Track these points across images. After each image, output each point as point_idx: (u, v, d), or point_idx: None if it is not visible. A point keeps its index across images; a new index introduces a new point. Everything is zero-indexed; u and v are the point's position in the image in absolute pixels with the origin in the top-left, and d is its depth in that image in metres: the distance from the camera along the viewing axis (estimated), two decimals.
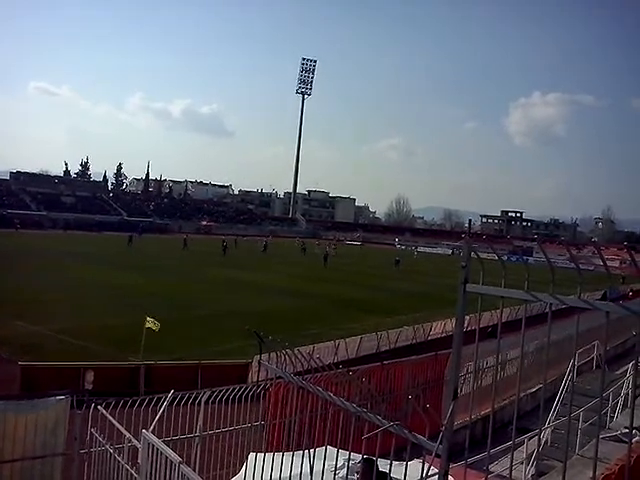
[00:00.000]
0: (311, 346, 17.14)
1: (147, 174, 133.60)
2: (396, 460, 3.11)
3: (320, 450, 4.34)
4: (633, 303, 2.21)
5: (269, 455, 3.85)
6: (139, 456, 5.86)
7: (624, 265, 53.01)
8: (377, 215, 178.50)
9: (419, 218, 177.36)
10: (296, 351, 3.64)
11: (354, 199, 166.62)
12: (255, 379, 14.60)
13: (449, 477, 2.60)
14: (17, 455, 7.14)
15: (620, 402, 13.54)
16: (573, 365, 4.40)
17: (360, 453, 3.49)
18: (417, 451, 2.79)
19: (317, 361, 3.71)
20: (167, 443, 5.86)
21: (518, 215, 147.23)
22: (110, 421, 7.09)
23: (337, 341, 19.73)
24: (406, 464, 2.87)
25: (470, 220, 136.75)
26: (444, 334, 24.22)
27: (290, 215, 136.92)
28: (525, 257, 61.67)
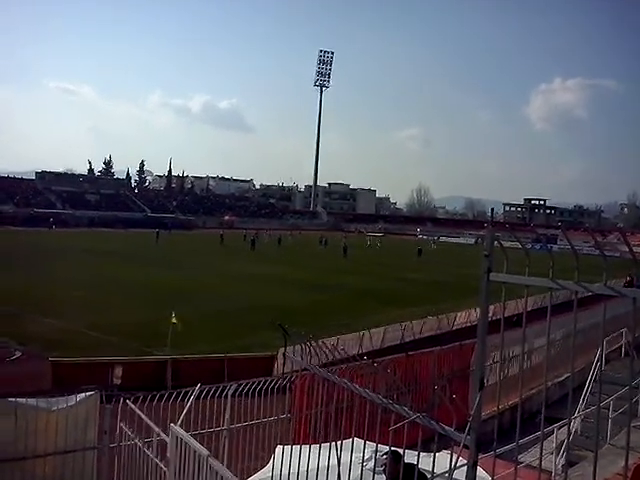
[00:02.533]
0: (335, 338, 17.15)
1: (169, 170, 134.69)
2: (424, 451, 3.10)
3: (347, 442, 4.36)
4: None
5: (296, 447, 3.87)
6: (168, 450, 5.93)
7: None
8: (398, 206, 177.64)
9: (441, 208, 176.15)
10: (320, 343, 3.65)
11: (375, 190, 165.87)
12: (281, 372, 14.69)
13: (478, 468, 2.58)
14: (49, 450, 7.29)
15: None
16: (601, 353, 4.33)
17: (387, 445, 3.49)
18: (445, 442, 2.78)
19: (342, 353, 3.71)
20: (195, 437, 5.92)
21: (541, 203, 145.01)
22: (139, 415, 7.19)
23: (361, 332, 19.72)
24: (434, 455, 2.86)
25: (492, 209, 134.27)
26: (469, 324, 24.03)
27: (311, 208, 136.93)
28: (549, 245, 60.69)
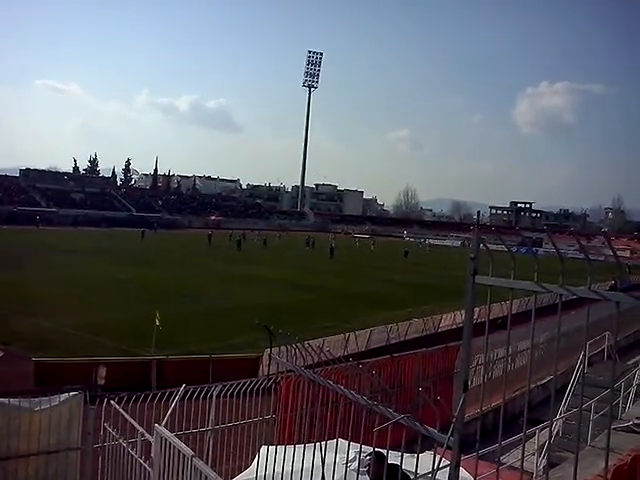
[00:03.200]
0: (321, 339, 17.18)
1: (155, 170, 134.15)
2: (407, 452, 3.12)
3: (331, 443, 4.37)
4: None
5: (281, 448, 3.87)
6: (152, 450, 5.91)
7: (635, 255, 52.60)
8: (385, 208, 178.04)
9: (427, 210, 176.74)
10: (306, 344, 3.65)
11: (362, 192, 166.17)
12: (266, 372, 14.66)
13: (461, 468, 2.61)
14: (32, 450, 7.23)
15: (632, 393, 13.50)
16: (584, 356, 4.38)
17: (371, 445, 3.50)
18: (428, 443, 2.80)
19: (327, 354, 3.72)
20: (179, 437, 5.90)
21: (527, 206, 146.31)
22: (123, 416, 7.15)
23: (347, 334, 19.75)
24: (417, 456, 2.88)
25: (479, 212, 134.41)
26: (454, 326, 24.18)
27: (298, 209, 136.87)
28: (535, 248, 61.38)
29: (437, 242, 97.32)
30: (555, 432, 12.41)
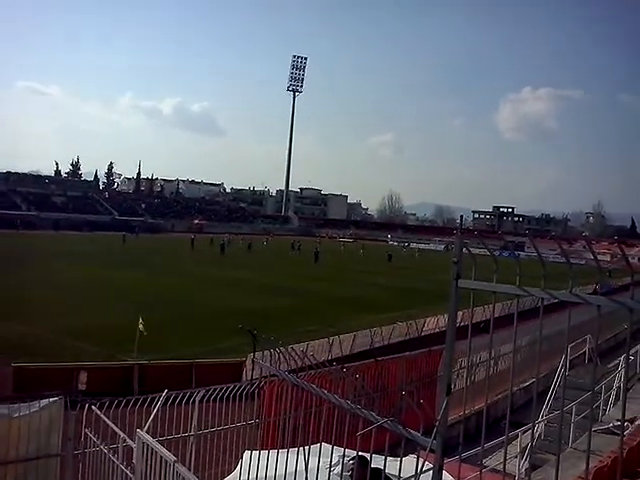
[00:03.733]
0: (305, 344, 17.16)
1: (138, 173, 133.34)
2: (391, 456, 3.12)
3: (315, 447, 4.35)
4: (623, 297, 2.23)
5: (264, 453, 3.85)
6: (134, 456, 5.85)
7: (615, 259, 53.28)
8: (369, 212, 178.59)
9: (411, 214, 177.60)
10: (290, 349, 3.64)
11: (346, 196, 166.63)
12: (249, 377, 14.60)
13: (444, 472, 2.61)
14: (11, 457, 7.11)
15: (612, 395, 13.65)
16: (565, 359, 4.42)
17: (355, 449, 3.50)
18: (412, 447, 2.80)
19: (311, 358, 3.71)
20: (162, 442, 5.85)
21: (510, 211, 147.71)
22: (104, 421, 7.07)
23: (331, 338, 19.75)
24: (401, 460, 2.88)
25: (462, 216, 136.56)
26: (437, 330, 24.29)
27: (282, 213, 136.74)
28: (517, 252, 61.46)
29: (421, 246, 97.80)
30: (537, 435, 12.50)
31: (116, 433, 6.83)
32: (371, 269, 52.00)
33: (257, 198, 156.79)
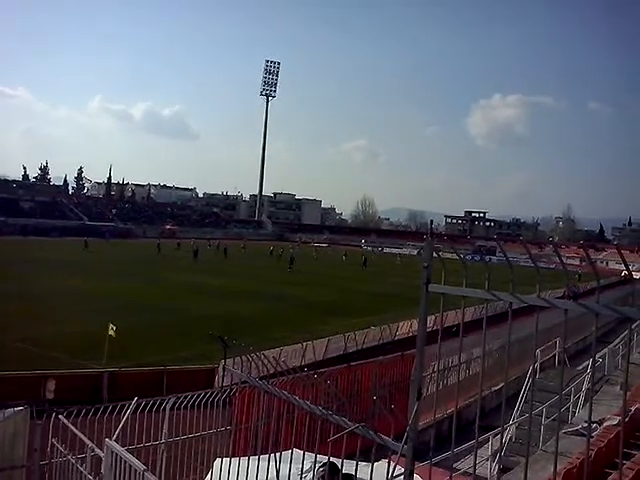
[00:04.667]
0: (278, 349, 17.09)
1: (109, 178, 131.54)
2: (362, 461, 3.11)
3: (286, 454, 4.32)
4: (591, 300, 2.27)
5: (235, 460, 3.81)
6: (102, 466, 5.73)
7: (584, 263, 54.31)
8: (344, 217, 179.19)
9: (385, 219, 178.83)
10: (262, 355, 3.61)
11: (320, 201, 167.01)
12: (221, 384, 14.48)
13: (415, 476, 2.61)
14: None
15: (581, 397, 13.88)
16: (533, 362, 4.47)
17: (327, 455, 3.48)
18: (383, 452, 2.79)
19: (283, 365, 3.69)
20: (131, 451, 5.74)
21: (481, 215, 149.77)
22: (72, 431, 6.92)
23: (304, 344, 19.68)
24: (372, 465, 2.87)
25: (432, 221, 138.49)
26: (411, 334, 24.39)
27: (256, 218, 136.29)
28: (488, 257, 62.22)
29: (394, 250, 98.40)
30: (508, 437, 12.64)
31: (84, 442, 6.68)
32: (347, 274, 52.10)
33: (230, 203, 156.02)
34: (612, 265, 69.62)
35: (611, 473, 7.18)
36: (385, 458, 2.93)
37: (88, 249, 58.54)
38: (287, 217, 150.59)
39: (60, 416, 7.15)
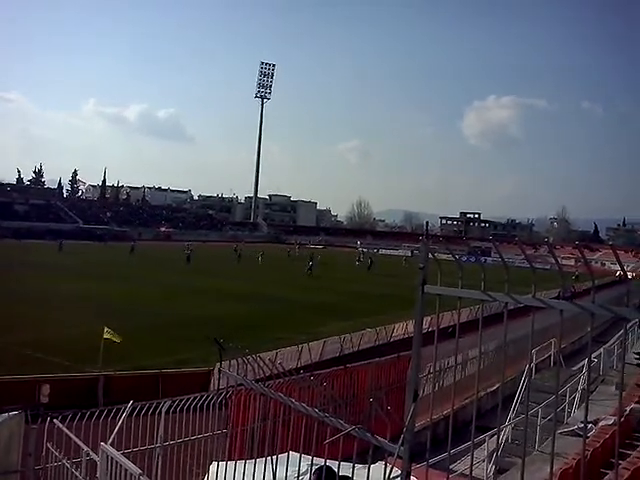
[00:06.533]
0: (274, 352, 17.07)
1: (103, 180, 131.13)
2: (359, 463, 3.10)
3: (283, 457, 4.31)
4: (586, 301, 2.27)
5: (232, 464, 3.79)
6: (98, 470, 5.70)
7: (579, 264, 54.44)
8: (339, 218, 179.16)
9: (380, 221, 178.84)
10: (257, 357, 3.60)
11: (315, 203, 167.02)
12: (217, 387, 14.44)
13: (412, 478, 2.60)
14: None
15: (577, 397, 13.92)
16: (529, 363, 4.47)
17: (323, 458, 3.47)
18: (380, 454, 2.79)
19: (279, 367, 3.67)
20: (127, 455, 5.72)
21: (476, 216, 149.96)
22: (67, 435, 6.88)
23: (300, 346, 19.67)
24: (369, 467, 2.86)
25: (427, 222, 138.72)
26: (406, 335, 24.41)
27: (251, 220, 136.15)
28: (484, 258, 62.78)
29: (390, 252, 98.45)
30: (504, 438, 12.65)
31: (79, 447, 6.65)
32: (344, 276, 52.02)
33: (225, 205, 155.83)
34: (608, 265, 69.92)
35: (607, 473, 7.20)
36: (382, 460, 2.93)
37: (62, 251, 57.89)
38: (282, 219, 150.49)
39: (55, 420, 7.11)
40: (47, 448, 7.12)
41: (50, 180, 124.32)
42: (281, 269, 55.27)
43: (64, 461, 6.74)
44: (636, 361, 16.33)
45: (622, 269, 2.85)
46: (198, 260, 55.49)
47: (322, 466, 3.52)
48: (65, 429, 6.93)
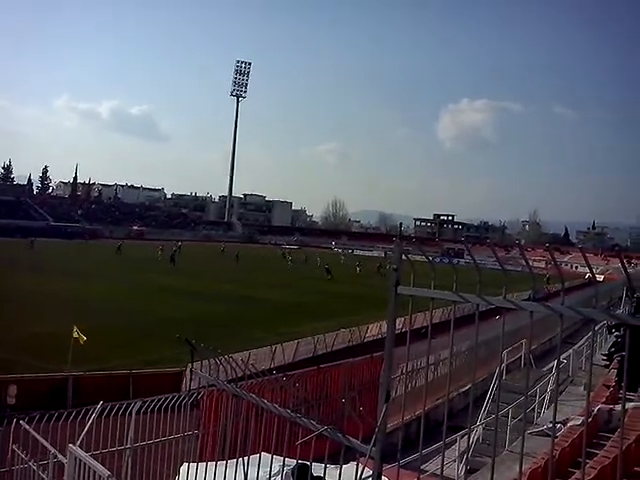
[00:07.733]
0: (247, 352, 16.99)
1: (75, 177, 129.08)
2: (331, 464, 3.10)
3: (254, 457, 4.28)
4: (556, 303, 2.31)
5: (202, 465, 3.76)
6: (65, 472, 5.60)
7: (549, 266, 55.37)
8: (314, 219, 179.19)
9: (355, 222, 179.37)
10: (230, 358, 3.58)
11: (291, 203, 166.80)
12: (188, 388, 14.31)
13: (383, 478, 2.61)
14: None
15: (547, 398, 14.14)
16: (500, 364, 4.52)
17: (295, 458, 3.46)
18: (352, 454, 2.79)
19: (252, 367, 3.65)
20: (96, 457, 5.63)
21: (450, 218, 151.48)
22: (34, 436, 6.75)
23: (274, 346, 19.62)
24: (340, 467, 2.86)
25: (401, 223, 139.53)
26: (379, 336, 24.53)
27: (226, 219, 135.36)
28: (457, 259, 63.40)
29: (366, 253, 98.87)
30: (475, 438, 12.79)
31: (46, 448, 6.52)
32: (319, 276, 52.01)
33: (199, 204, 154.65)
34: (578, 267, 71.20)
35: (575, 472, 7.32)
36: (354, 460, 2.93)
37: (33, 249, 56.99)
38: (257, 219, 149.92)
39: (21, 422, 6.97)
40: (13, 450, 6.97)
41: (19, 176, 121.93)
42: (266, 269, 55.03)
43: (30, 463, 6.61)
44: (604, 362, 16.66)
45: (591, 271, 2.90)
46: (185, 260, 55.09)
47: (297, 463, 3.52)
48: (32, 430, 6.80)
